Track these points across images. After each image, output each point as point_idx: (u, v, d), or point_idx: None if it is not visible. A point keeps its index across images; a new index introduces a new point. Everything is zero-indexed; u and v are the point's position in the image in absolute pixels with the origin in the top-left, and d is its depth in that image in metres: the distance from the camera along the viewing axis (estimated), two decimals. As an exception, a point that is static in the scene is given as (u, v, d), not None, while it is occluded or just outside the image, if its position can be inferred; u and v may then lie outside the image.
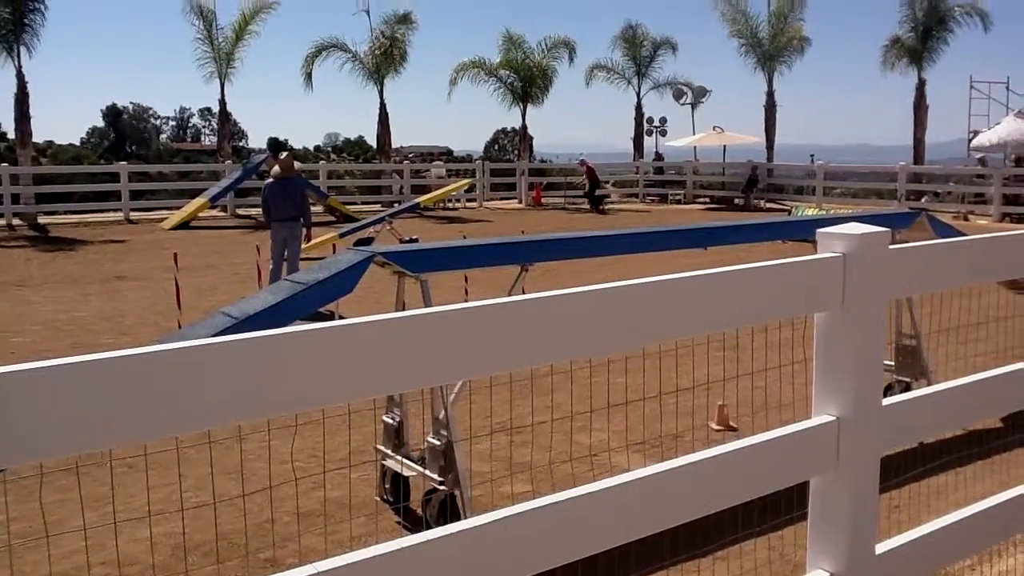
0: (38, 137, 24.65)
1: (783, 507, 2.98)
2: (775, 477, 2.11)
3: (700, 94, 33.50)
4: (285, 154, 11.80)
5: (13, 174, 21.65)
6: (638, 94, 32.58)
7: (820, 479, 2.15)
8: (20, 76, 22.63)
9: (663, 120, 33.97)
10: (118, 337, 9.28)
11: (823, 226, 2.14)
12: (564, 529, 1.81)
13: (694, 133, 32.14)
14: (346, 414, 4.21)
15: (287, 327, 1.57)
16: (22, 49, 22.57)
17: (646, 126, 33.07)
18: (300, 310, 4.02)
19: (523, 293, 2.88)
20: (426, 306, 4.13)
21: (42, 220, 21.54)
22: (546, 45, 30.46)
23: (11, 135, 30.87)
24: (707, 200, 28.89)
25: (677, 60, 54.71)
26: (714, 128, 30.99)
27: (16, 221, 21.03)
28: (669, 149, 33.68)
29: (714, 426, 5.97)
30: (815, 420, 2.13)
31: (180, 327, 8.77)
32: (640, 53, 32.20)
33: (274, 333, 1.52)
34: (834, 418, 2.11)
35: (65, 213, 22.64)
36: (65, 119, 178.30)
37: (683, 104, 33.59)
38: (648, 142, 33.17)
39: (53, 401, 1.34)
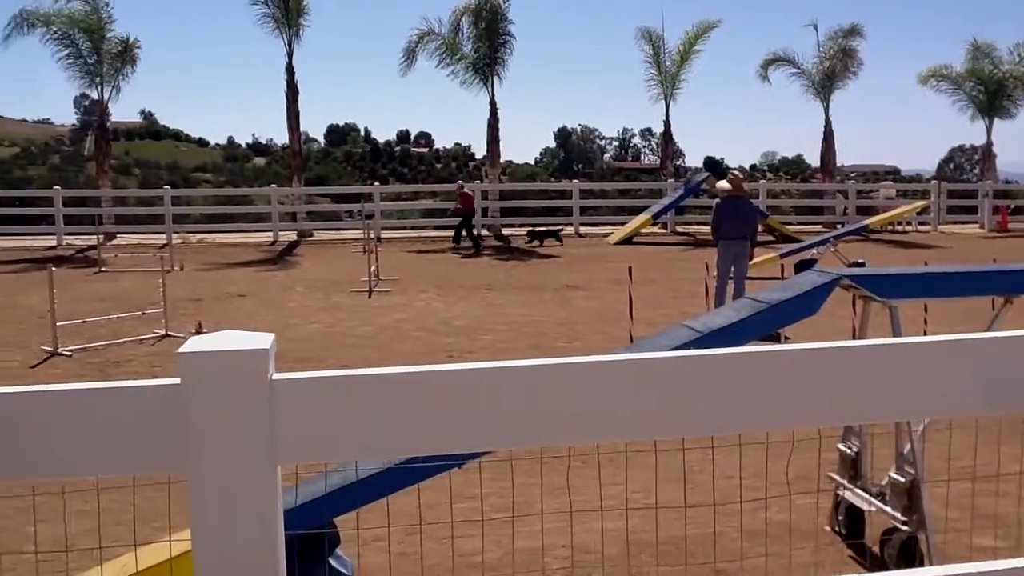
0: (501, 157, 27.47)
1: None
2: None
3: None
4: (736, 173, 11.86)
5: (483, 190, 24.44)
6: None
7: None
8: (492, 103, 25.45)
9: None
10: (570, 341, 10.02)
11: None
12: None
13: None
14: (788, 441, 4.15)
15: (758, 346, 1.59)
16: (495, 79, 25.38)
17: None
18: (762, 329, 4.04)
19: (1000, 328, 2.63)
20: (896, 335, 3.93)
21: (505, 232, 24.00)
22: (1020, 53, 27.27)
23: (478, 155, 34.94)
24: None
25: None
26: None
27: (484, 232, 23.68)
28: None
29: None
30: None
31: (631, 336, 9.25)
32: None
33: (754, 350, 1.54)
34: None
35: (521, 225, 25.00)
36: (521, 141, 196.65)
37: None
38: None
39: (550, 393, 1.49)
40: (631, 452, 4.72)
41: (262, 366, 1.36)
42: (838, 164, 31.23)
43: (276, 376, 1.39)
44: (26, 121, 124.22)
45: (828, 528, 4.61)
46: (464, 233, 21.22)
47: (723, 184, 11.36)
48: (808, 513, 4.89)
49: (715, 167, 20.60)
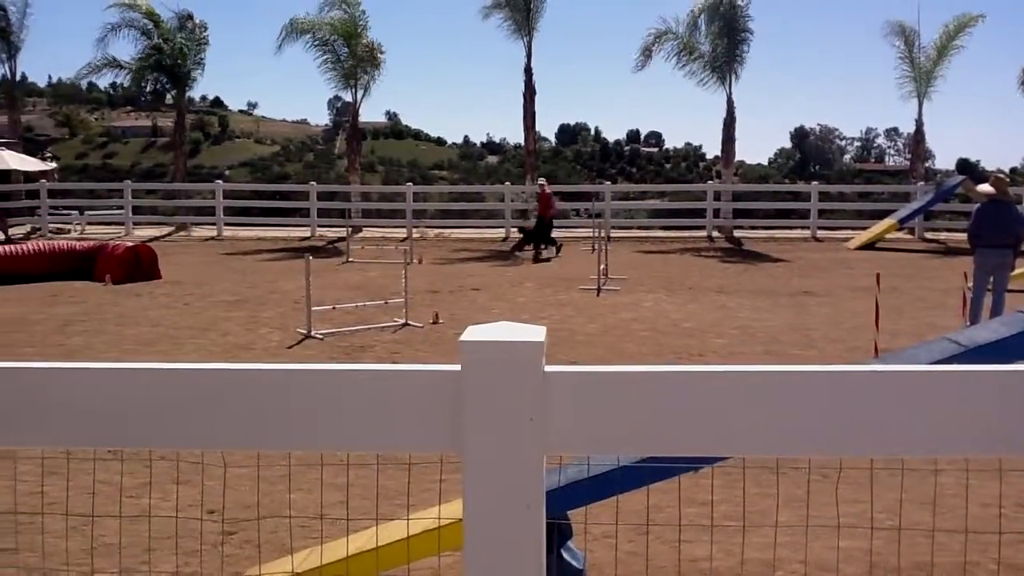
0: (732, 157, 26.77)
1: None
2: None
3: None
4: (1000, 175, 10.87)
5: (716, 191, 23.94)
6: None
7: None
8: (729, 102, 24.84)
9: None
10: (805, 349, 9.63)
11: None
12: None
13: None
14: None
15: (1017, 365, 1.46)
16: (732, 78, 24.77)
17: None
18: (1035, 346, 3.70)
19: None
20: None
21: (737, 233, 23.39)
22: None
23: (708, 155, 34.19)
24: None
25: None
26: None
27: (715, 233, 23.20)
28: None
29: None
30: None
31: (876, 347, 8.75)
32: None
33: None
34: None
35: (752, 228, 24.24)
36: (754, 141, 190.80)
37: None
38: None
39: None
40: (876, 470, 4.48)
41: (537, 357, 1.42)
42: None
43: (549, 368, 1.44)
44: (286, 121, 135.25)
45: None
46: (533, 234, 19.29)
47: (985, 187, 10.48)
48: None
49: (970, 169, 19.00)
